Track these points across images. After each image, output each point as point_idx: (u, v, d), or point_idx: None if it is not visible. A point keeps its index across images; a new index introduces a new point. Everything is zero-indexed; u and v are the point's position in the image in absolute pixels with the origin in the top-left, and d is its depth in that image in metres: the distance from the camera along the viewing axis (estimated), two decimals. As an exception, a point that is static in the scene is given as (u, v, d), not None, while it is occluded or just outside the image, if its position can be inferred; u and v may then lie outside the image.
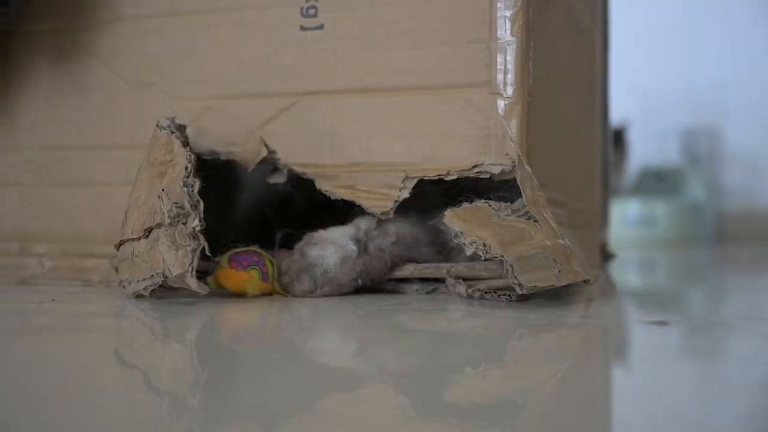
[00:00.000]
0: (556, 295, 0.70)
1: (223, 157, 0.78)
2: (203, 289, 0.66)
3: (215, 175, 0.73)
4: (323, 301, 0.69)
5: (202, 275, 0.70)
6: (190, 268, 0.65)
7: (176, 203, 0.66)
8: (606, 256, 1.09)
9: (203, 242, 0.66)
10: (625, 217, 2.07)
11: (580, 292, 0.75)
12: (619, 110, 1.67)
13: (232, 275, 0.70)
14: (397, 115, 0.73)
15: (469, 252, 0.64)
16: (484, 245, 0.63)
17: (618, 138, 2.14)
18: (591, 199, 0.96)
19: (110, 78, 0.82)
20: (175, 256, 0.65)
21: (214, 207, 0.69)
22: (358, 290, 0.74)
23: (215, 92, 0.79)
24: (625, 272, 1.14)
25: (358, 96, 0.74)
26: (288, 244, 0.75)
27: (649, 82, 2.42)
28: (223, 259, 0.70)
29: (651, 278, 1.12)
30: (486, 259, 0.64)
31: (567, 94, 0.85)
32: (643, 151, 2.37)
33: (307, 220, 0.76)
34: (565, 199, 0.81)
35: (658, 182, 2.20)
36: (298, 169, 0.76)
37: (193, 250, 0.65)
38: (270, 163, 0.77)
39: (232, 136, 0.78)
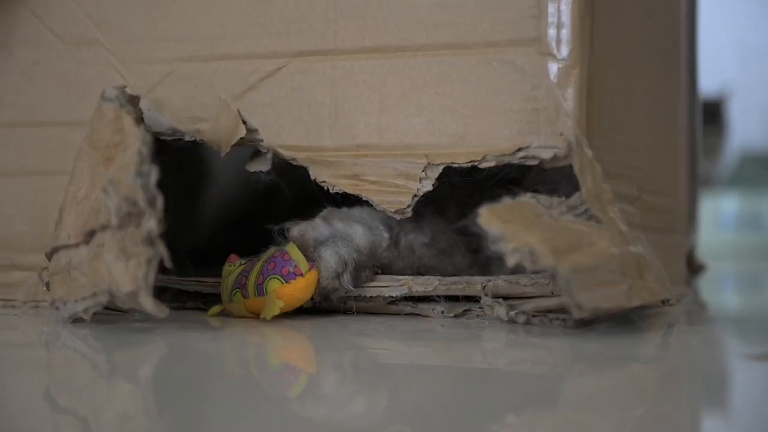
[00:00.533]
0: (625, 320, 0.70)
1: (187, 138, 0.78)
2: (162, 312, 0.65)
3: (174, 162, 0.73)
4: (315, 326, 0.69)
5: (160, 293, 0.70)
6: (145, 284, 0.64)
7: (127, 198, 0.65)
8: (694, 268, 1.09)
9: (162, 250, 0.65)
10: (721, 216, 2.07)
11: (657, 315, 0.75)
12: (714, 76, 1.67)
13: (300, 286, 0.71)
14: (417, 83, 0.74)
15: (511, 262, 0.64)
16: (531, 253, 0.63)
17: (712, 113, 2.14)
18: (674, 193, 0.96)
19: (40, 33, 0.83)
20: (124, 267, 0.64)
21: (172, 203, 0.69)
22: (367, 311, 0.74)
23: (178, 53, 0.79)
24: (720, 289, 1.14)
25: (367, 57, 0.75)
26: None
27: (754, 38, 2.41)
28: (270, 287, 0.71)
29: (753, 297, 1.11)
30: (534, 272, 0.64)
31: (641, 54, 0.85)
32: (746, 130, 2.37)
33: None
34: (639, 194, 0.81)
35: (764, 170, 2.19)
36: (286, 154, 0.76)
37: (149, 261, 0.64)
38: (249, 146, 0.77)
39: (200, 109, 0.78)
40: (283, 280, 0.71)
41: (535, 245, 0.63)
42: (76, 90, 0.81)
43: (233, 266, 0.74)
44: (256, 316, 0.72)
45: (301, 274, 0.70)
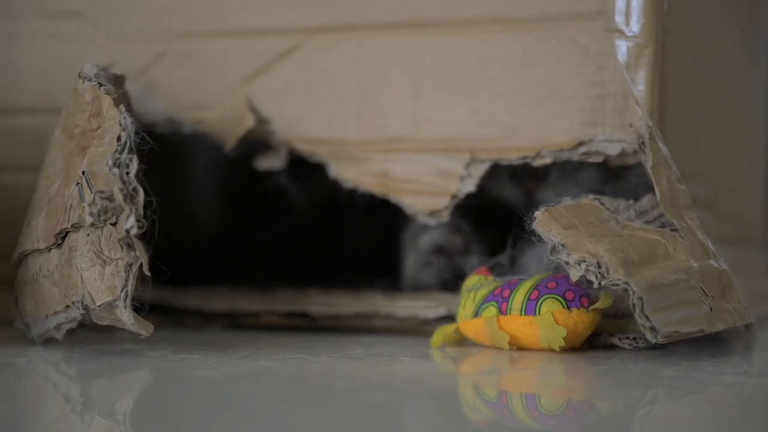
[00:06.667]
0: (697, 341, 0.69)
1: (187, 130, 0.77)
2: (144, 328, 0.63)
3: (162, 154, 0.71)
4: (335, 346, 0.69)
5: (139, 308, 0.67)
6: (123, 294, 0.62)
7: (102, 192, 0.64)
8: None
9: (142, 255, 0.63)
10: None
11: (731, 337, 0.74)
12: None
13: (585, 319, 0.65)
14: (460, 65, 0.74)
15: (575, 276, 0.64)
16: (599, 265, 0.63)
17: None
18: (750, 198, 0.95)
19: (13, 3, 0.83)
20: (100, 274, 0.63)
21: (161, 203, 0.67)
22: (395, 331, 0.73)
23: (175, 27, 0.80)
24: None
25: (401, 34, 0.75)
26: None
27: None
28: (545, 307, 0.66)
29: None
30: (600, 287, 0.63)
31: (718, 33, 0.84)
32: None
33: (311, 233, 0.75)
34: (714, 198, 0.80)
35: None
36: (303, 148, 0.76)
37: (128, 266, 0.63)
38: (260, 139, 0.77)
39: (202, 95, 0.77)
40: (564, 305, 0.66)
41: (604, 256, 0.63)
42: (55, 72, 0.81)
43: (484, 279, 0.71)
44: (511, 344, 0.67)
45: (587, 306, 0.66)
